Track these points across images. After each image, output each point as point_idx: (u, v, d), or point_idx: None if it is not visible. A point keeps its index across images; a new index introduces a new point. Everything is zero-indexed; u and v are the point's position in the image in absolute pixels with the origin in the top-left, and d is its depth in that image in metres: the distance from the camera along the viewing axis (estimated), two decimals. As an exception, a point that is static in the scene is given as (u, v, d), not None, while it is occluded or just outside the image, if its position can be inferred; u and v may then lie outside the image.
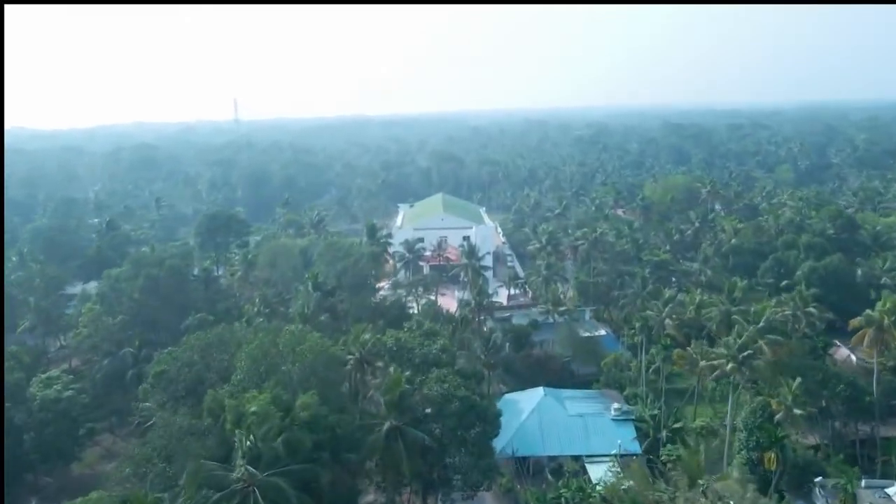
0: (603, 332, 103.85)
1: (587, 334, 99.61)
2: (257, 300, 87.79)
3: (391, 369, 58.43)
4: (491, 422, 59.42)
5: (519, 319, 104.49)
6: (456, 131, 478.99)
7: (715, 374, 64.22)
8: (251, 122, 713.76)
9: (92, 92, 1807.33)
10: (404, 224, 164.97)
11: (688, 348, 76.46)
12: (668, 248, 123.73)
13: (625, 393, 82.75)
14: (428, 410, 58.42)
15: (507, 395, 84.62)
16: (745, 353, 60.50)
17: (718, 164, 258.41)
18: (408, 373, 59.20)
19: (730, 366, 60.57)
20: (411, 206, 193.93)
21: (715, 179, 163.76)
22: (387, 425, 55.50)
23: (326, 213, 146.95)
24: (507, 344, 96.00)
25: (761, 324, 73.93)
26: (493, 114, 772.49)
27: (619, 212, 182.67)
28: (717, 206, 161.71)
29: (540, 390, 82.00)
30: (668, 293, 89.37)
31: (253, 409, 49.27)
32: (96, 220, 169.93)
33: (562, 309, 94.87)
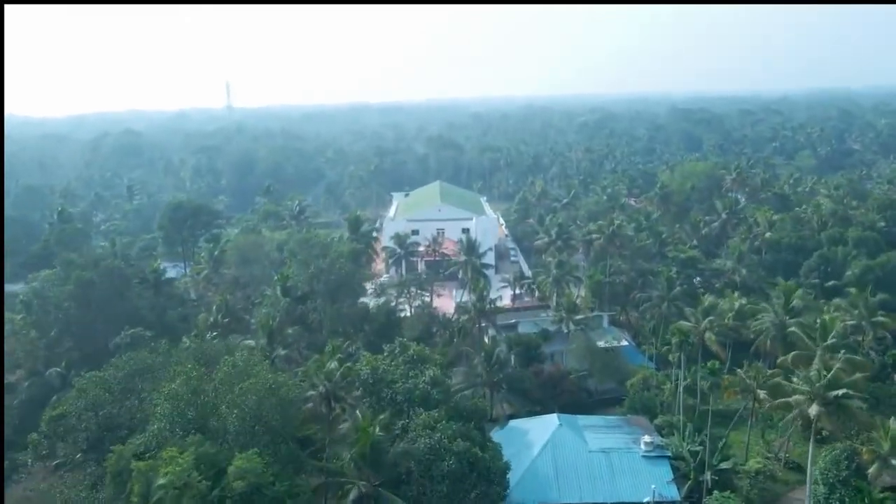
0: (624, 343, 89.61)
1: (606, 344, 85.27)
2: (215, 308, 73.46)
3: (358, 412, 44.05)
4: (497, 481, 45.23)
5: (526, 327, 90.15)
6: (456, 118, 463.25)
7: (792, 415, 49.71)
8: (247, 109, 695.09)
9: (88, 79, 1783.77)
10: (397, 215, 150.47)
11: (738, 371, 62.04)
12: (694, 242, 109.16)
13: (656, 421, 68.40)
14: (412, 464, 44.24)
15: (514, 423, 70.32)
16: (838, 393, 45.79)
17: (734, 151, 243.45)
18: (383, 416, 44.89)
19: (814, 408, 46.07)
20: (406, 195, 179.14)
21: (741, 166, 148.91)
22: (354, 492, 41.27)
23: (310, 203, 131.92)
24: (513, 356, 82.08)
25: (829, 341, 59.58)
26: (494, 101, 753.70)
27: (632, 201, 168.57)
28: (741, 197, 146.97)
29: (554, 418, 67.66)
30: (707, 300, 74.85)
31: (163, 481, 35.01)
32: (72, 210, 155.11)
33: (578, 318, 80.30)
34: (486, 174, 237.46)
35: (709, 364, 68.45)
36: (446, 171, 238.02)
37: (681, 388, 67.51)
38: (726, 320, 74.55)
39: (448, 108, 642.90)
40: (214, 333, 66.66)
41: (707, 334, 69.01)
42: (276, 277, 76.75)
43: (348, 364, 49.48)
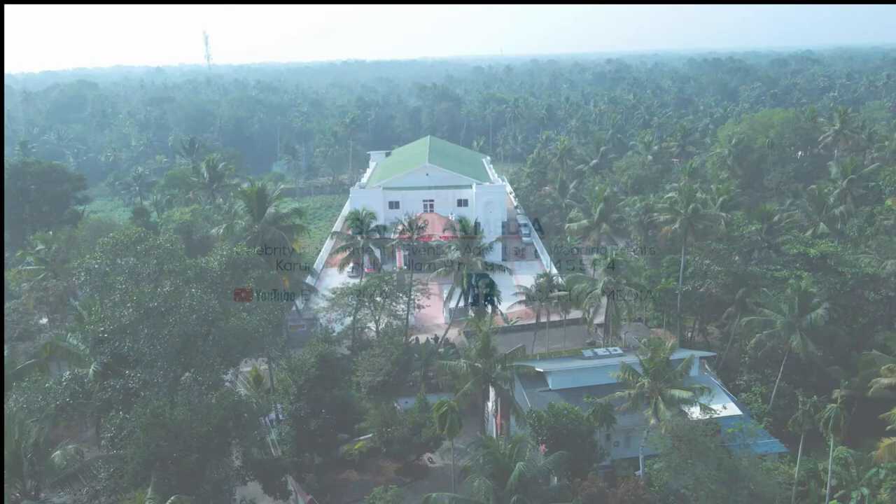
0: (731, 407, 52.08)
1: (703, 415, 46.79)
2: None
3: None
4: None
5: (560, 381, 52.54)
6: (456, 71, 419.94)
7: None
8: (233, 65, 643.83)
9: (80, 35, 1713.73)
10: (371, 181, 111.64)
11: None
12: (822, 227, 70.45)
13: None
14: None
15: None
16: None
17: (787, 101, 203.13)
18: None
19: None
20: (387, 154, 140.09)
21: (847, 112, 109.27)
22: None
23: (227, 162, 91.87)
24: (538, 440, 44.85)
25: None
26: (493, 59, 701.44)
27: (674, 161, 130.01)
28: (836, 154, 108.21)
29: None
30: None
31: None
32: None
33: (680, 395, 41.86)
34: (490, 130, 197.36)
35: None
36: (442, 126, 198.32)
37: None
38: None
39: (447, 62, 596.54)
40: None
41: None
42: (84, 315, 38.52)
43: None
